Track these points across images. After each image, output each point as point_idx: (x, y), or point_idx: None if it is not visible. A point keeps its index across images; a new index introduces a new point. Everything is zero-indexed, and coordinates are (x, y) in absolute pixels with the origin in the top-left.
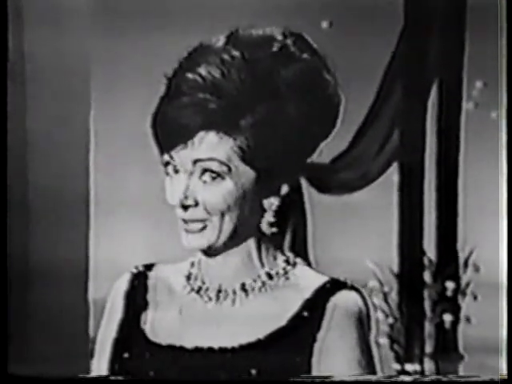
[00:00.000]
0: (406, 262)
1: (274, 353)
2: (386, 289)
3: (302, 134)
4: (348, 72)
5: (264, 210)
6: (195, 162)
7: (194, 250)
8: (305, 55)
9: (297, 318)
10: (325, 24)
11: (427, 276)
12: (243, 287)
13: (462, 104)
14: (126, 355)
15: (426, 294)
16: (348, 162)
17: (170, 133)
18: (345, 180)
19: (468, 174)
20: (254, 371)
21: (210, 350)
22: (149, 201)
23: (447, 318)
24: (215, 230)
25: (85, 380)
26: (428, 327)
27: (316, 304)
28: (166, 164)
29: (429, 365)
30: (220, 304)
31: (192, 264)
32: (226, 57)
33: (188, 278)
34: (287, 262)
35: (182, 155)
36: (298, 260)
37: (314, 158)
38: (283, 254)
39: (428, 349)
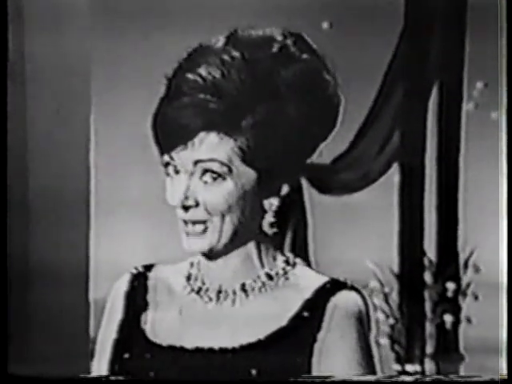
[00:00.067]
0: (407, 263)
1: (274, 353)
2: (386, 289)
3: (302, 134)
4: (348, 72)
5: (264, 211)
6: (196, 162)
7: (195, 253)
8: (305, 55)
9: (297, 319)
10: (325, 24)
11: (428, 276)
12: (243, 288)
13: (463, 104)
14: (126, 356)
15: (426, 294)
16: (348, 163)
17: (170, 133)
18: (345, 180)
19: (468, 174)
20: (254, 371)
21: (211, 350)
22: (149, 201)
23: (448, 318)
24: (216, 232)
25: (85, 380)
26: (429, 328)
27: (316, 304)
28: (166, 164)
29: (429, 365)
30: (220, 304)
31: (191, 264)
32: (226, 57)
33: (188, 278)
34: (287, 262)
35: (183, 156)
36: (298, 260)
37: (314, 158)
38: (283, 254)
39: (429, 349)
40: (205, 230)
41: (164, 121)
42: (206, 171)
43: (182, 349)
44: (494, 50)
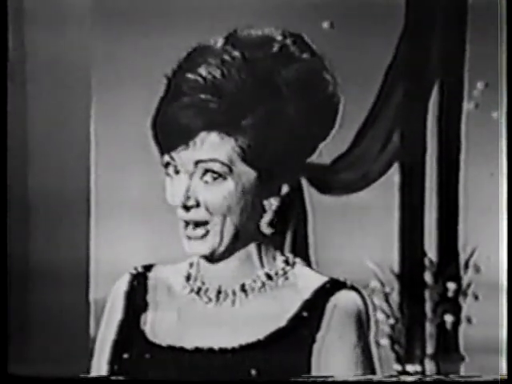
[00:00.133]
0: (407, 263)
1: (274, 353)
2: (386, 289)
3: (302, 133)
4: (349, 72)
5: (264, 211)
6: (197, 162)
7: (196, 255)
8: (305, 55)
9: (296, 319)
10: (326, 24)
11: (428, 277)
12: (243, 288)
13: (463, 104)
14: (125, 356)
15: (427, 294)
16: (349, 163)
17: (170, 133)
18: (345, 180)
19: (469, 174)
20: (253, 371)
21: (210, 350)
22: (149, 201)
23: (448, 318)
24: (217, 235)
25: (85, 380)
26: (429, 328)
27: (315, 304)
28: (167, 165)
29: (430, 365)
30: (220, 305)
31: (191, 265)
32: (226, 57)
33: (187, 278)
34: (286, 262)
35: (183, 156)
36: (297, 260)
37: (314, 158)
38: (282, 254)
39: (429, 349)
40: (206, 234)
41: (164, 121)
42: (206, 171)
43: (181, 349)
44: (494, 49)
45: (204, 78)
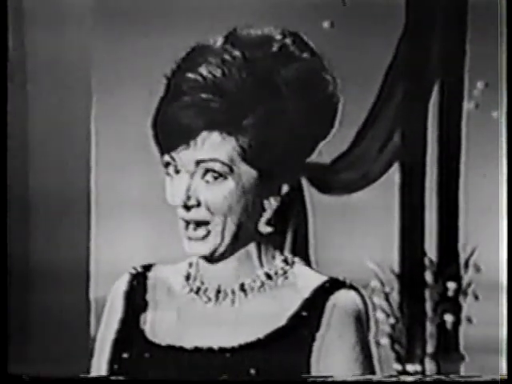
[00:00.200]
0: (407, 263)
1: (273, 352)
2: (387, 289)
3: (302, 133)
4: (349, 72)
5: (264, 210)
6: (198, 162)
7: (196, 255)
8: (304, 55)
9: (296, 318)
10: (326, 24)
11: (428, 276)
12: (242, 287)
13: (463, 104)
14: (125, 355)
15: (427, 294)
16: (349, 162)
17: (171, 133)
18: (346, 180)
19: (469, 174)
20: (253, 371)
21: (210, 350)
22: (150, 201)
23: (448, 318)
24: (218, 235)
25: (85, 380)
26: (429, 327)
27: (315, 303)
28: (167, 165)
29: (430, 365)
30: (219, 304)
31: (190, 264)
32: (226, 56)
33: (187, 278)
34: (286, 261)
35: (184, 156)
36: (297, 259)
37: (314, 157)
38: (282, 253)
39: (429, 349)
40: (207, 235)
41: (164, 121)
42: (207, 171)
43: (181, 348)
44: (494, 49)
45: (204, 78)
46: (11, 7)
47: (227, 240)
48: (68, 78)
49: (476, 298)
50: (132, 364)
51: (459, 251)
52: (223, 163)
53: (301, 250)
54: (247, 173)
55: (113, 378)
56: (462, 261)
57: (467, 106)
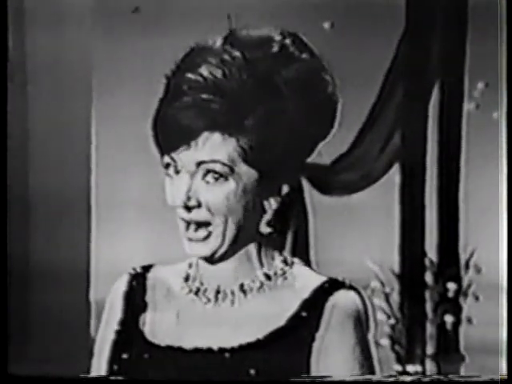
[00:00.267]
0: (408, 263)
1: (273, 353)
2: (387, 289)
3: (302, 133)
4: (349, 72)
5: (265, 211)
6: (199, 163)
7: (197, 256)
8: (304, 55)
9: (295, 318)
10: (326, 24)
11: (428, 277)
12: (242, 288)
13: (464, 105)
14: (125, 356)
15: (427, 295)
16: (349, 163)
17: (171, 134)
18: (346, 181)
19: (469, 174)
20: (252, 371)
21: (209, 350)
22: (150, 202)
23: (448, 318)
24: (219, 237)
25: (85, 380)
26: (429, 328)
27: (314, 304)
28: (167, 165)
29: (430, 366)
30: (219, 305)
31: (190, 265)
32: (226, 57)
33: (186, 279)
34: (285, 262)
35: (185, 157)
36: (296, 260)
37: (313, 158)
38: (281, 254)
39: (429, 350)
40: (208, 236)
41: (165, 122)
42: (208, 172)
43: (180, 349)
44: (494, 50)
45: (205, 78)
46: (11, 7)
47: (228, 241)
48: (68, 78)
49: (476, 298)
50: (132, 364)
51: (459, 252)
52: (224, 164)
53: (301, 251)
54: (248, 173)
55: (112, 378)
56: (462, 261)
57: (467, 106)
